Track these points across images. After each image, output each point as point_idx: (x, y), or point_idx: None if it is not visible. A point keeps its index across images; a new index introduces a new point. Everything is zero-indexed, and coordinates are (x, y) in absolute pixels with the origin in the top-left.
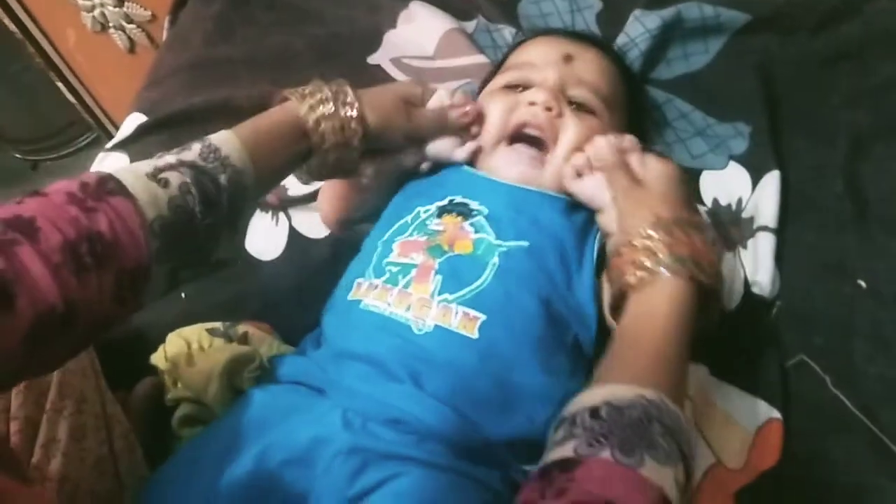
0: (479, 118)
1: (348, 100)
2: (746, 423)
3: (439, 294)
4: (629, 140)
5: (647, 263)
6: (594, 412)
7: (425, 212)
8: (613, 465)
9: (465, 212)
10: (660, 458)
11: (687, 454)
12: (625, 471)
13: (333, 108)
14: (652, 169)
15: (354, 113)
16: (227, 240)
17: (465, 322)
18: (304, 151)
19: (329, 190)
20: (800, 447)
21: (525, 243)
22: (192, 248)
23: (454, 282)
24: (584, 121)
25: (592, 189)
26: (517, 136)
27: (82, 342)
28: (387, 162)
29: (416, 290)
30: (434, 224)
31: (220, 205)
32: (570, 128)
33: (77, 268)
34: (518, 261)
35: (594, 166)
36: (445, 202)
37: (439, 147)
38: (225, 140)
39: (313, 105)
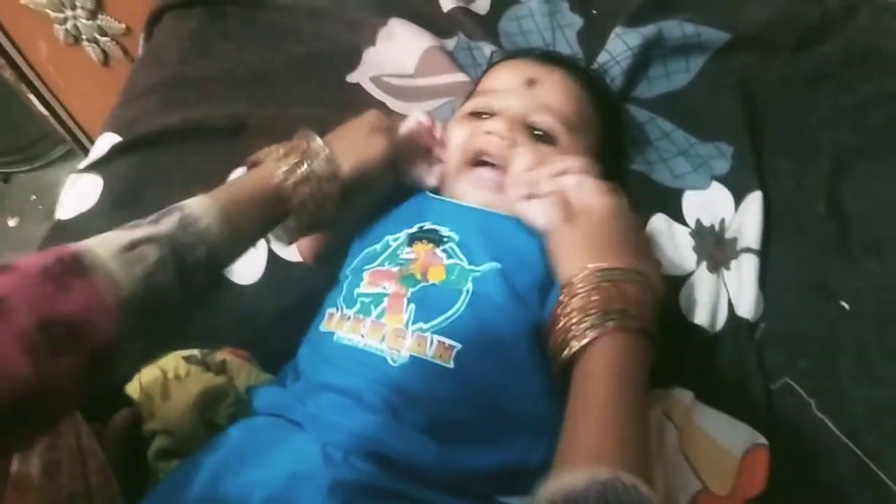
0: (446, 143)
1: (321, 156)
2: (732, 448)
3: (413, 323)
4: (572, 166)
5: (578, 328)
6: None
7: (395, 240)
8: None
9: (435, 238)
10: None
11: None
12: None
13: (309, 169)
14: (589, 203)
15: (330, 170)
16: (199, 308)
17: (440, 351)
18: (282, 214)
19: None
20: (785, 472)
21: (497, 265)
22: (165, 323)
23: (428, 310)
24: (539, 150)
25: (537, 213)
26: (479, 162)
27: (50, 422)
28: (363, 197)
29: (390, 320)
30: (405, 253)
31: (196, 278)
32: (520, 158)
33: (48, 350)
34: (491, 286)
35: (533, 192)
36: (415, 230)
37: (413, 173)
38: (204, 209)
39: (289, 169)
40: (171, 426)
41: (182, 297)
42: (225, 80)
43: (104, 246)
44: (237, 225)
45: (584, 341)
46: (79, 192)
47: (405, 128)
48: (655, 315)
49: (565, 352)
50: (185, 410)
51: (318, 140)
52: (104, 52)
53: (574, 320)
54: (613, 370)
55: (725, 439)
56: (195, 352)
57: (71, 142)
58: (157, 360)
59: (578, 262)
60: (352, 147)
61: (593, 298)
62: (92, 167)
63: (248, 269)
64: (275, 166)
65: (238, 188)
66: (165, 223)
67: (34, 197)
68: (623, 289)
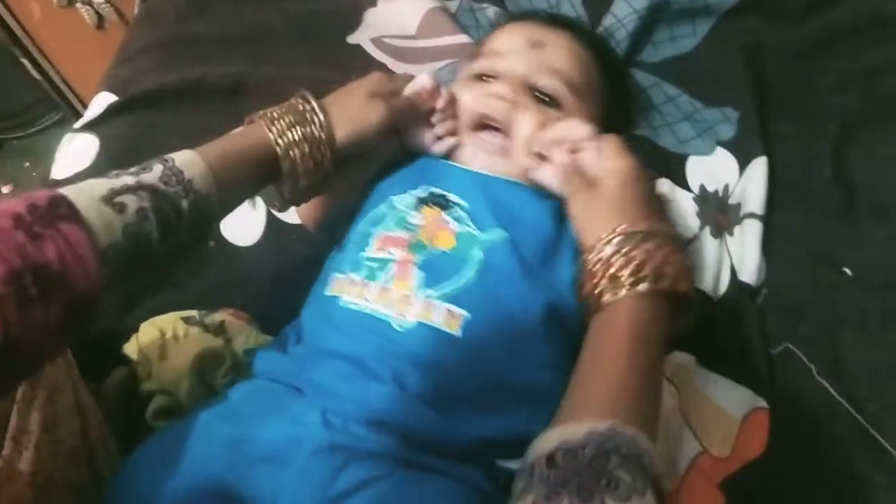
0: (451, 105)
1: (317, 120)
2: (732, 411)
3: (420, 289)
4: (582, 130)
5: (606, 285)
6: (550, 459)
7: (400, 201)
8: None
9: (443, 203)
10: (621, 496)
11: (655, 475)
12: None
13: (301, 133)
14: (607, 167)
15: (324, 134)
16: (185, 261)
17: (448, 319)
18: (273, 175)
19: None
20: (785, 436)
21: (506, 234)
22: (146, 275)
23: (436, 277)
24: (544, 112)
25: (551, 178)
26: (483, 125)
27: (26, 373)
28: (363, 162)
29: (398, 286)
30: (413, 217)
31: (180, 231)
32: (525, 120)
33: (21, 299)
34: (501, 254)
35: (545, 155)
36: (425, 194)
37: (416, 138)
38: (189, 162)
39: (281, 130)
40: (168, 387)
41: (165, 249)
42: (223, 40)
43: (83, 194)
44: (224, 181)
45: (616, 299)
46: (74, 152)
47: (407, 91)
48: (688, 275)
49: (593, 301)
50: (183, 372)
51: (314, 103)
52: (98, 14)
53: (604, 284)
54: (634, 330)
55: (726, 403)
56: (194, 313)
57: (64, 107)
58: (143, 316)
59: (606, 225)
60: (348, 112)
61: (623, 261)
62: (88, 126)
63: (246, 230)
64: (267, 127)
65: (228, 145)
66: (148, 174)
67: (28, 163)
68: (647, 251)
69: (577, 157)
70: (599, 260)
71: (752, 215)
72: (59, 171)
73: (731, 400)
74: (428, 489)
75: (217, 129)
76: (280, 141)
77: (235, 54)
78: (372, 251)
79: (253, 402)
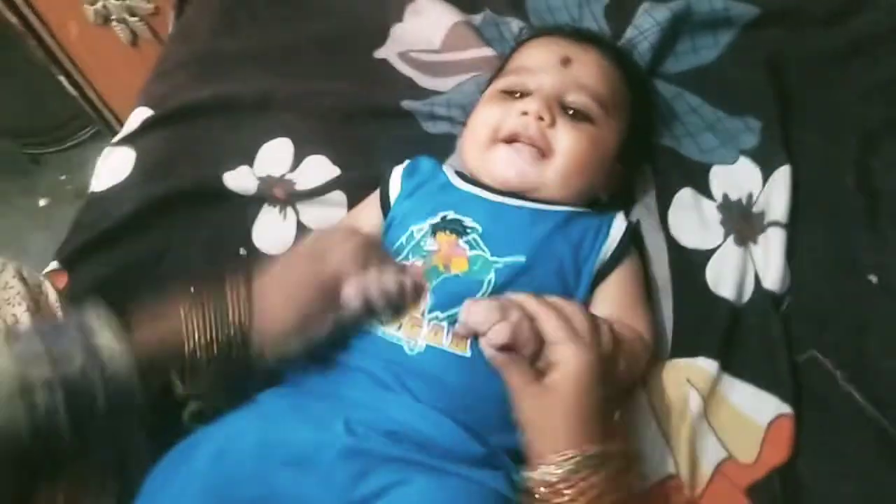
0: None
1: (232, 333)
2: (757, 417)
3: (430, 312)
4: (570, 315)
5: None
6: None
7: (419, 231)
8: None
9: (458, 229)
10: None
11: None
12: None
13: (211, 336)
14: (558, 366)
15: (238, 339)
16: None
17: (456, 340)
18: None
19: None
20: (810, 443)
21: (521, 258)
22: (58, 465)
23: (447, 300)
24: (580, 129)
25: (501, 364)
26: (513, 140)
27: None
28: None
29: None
30: (428, 244)
31: (93, 428)
32: (565, 138)
33: None
34: (514, 278)
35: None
36: (438, 219)
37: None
38: (116, 358)
39: (191, 331)
40: (201, 393)
41: (78, 444)
42: (254, 56)
43: None
44: (150, 375)
45: None
46: (112, 165)
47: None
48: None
49: None
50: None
51: (236, 311)
52: (133, 32)
53: None
54: None
55: (751, 409)
56: None
57: (99, 121)
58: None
59: (559, 442)
60: (281, 323)
61: (572, 492)
62: (125, 140)
63: (277, 240)
64: (181, 323)
65: (149, 336)
66: (67, 363)
67: (63, 177)
68: (601, 482)
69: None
70: (548, 483)
71: (775, 224)
72: (98, 183)
73: (756, 406)
74: (449, 493)
75: (248, 142)
76: (191, 342)
77: (266, 70)
78: None
79: (280, 406)
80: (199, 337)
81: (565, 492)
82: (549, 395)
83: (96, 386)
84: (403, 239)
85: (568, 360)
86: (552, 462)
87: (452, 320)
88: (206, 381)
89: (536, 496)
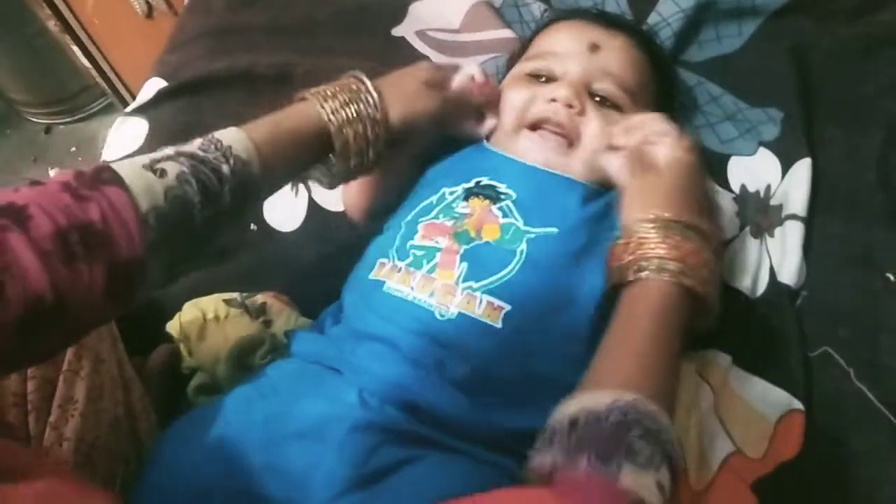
0: (498, 102)
1: (371, 100)
2: (768, 412)
3: (464, 281)
4: (662, 126)
5: (635, 264)
6: (572, 423)
7: (451, 193)
8: (590, 475)
9: (492, 195)
10: (639, 464)
11: (671, 455)
12: (601, 481)
13: (356, 112)
14: (668, 157)
15: (378, 115)
16: (229, 231)
17: (489, 311)
18: (322, 153)
19: (352, 184)
20: (821, 439)
21: (554, 230)
22: (189, 241)
23: (480, 269)
24: (608, 116)
25: (616, 165)
26: (539, 126)
27: (73, 335)
28: (409, 149)
29: (441, 275)
30: (461, 207)
31: (222, 196)
32: (593, 125)
33: (67, 257)
34: (546, 249)
35: (616, 145)
36: (472, 184)
37: (458, 127)
38: (230, 135)
39: (335, 109)
40: (206, 366)
41: (206, 215)
42: (271, 30)
43: (126, 163)
44: (274, 154)
45: (638, 277)
46: (125, 134)
47: (457, 82)
48: (714, 280)
49: (620, 276)
50: (219, 354)
51: (368, 83)
52: (148, 3)
53: (632, 260)
54: (658, 311)
55: (761, 404)
56: (235, 295)
57: (111, 94)
58: (187, 296)
59: (652, 207)
60: (402, 97)
61: (654, 244)
62: (138, 111)
63: (288, 216)
64: (320, 104)
65: (280, 121)
66: (188, 145)
67: (74, 148)
68: (681, 243)
69: (646, 146)
70: (636, 236)
71: (794, 217)
72: (109, 152)
73: (767, 401)
74: (460, 471)
75: (264, 116)
76: (333, 118)
77: (283, 44)
78: (418, 239)
79: (291, 381)
80: (338, 113)
81: (647, 242)
82: (654, 180)
83: (217, 156)
84: (434, 199)
85: (675, 155)
86: (643, 220)
87: (486, 290)
88: (349, 163)
89: (624, 252)
